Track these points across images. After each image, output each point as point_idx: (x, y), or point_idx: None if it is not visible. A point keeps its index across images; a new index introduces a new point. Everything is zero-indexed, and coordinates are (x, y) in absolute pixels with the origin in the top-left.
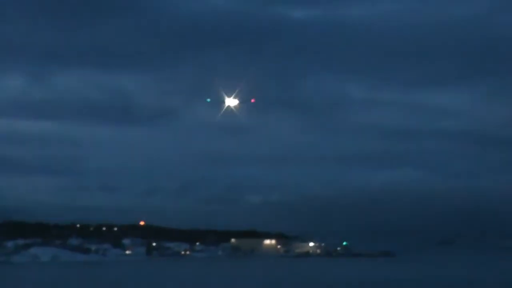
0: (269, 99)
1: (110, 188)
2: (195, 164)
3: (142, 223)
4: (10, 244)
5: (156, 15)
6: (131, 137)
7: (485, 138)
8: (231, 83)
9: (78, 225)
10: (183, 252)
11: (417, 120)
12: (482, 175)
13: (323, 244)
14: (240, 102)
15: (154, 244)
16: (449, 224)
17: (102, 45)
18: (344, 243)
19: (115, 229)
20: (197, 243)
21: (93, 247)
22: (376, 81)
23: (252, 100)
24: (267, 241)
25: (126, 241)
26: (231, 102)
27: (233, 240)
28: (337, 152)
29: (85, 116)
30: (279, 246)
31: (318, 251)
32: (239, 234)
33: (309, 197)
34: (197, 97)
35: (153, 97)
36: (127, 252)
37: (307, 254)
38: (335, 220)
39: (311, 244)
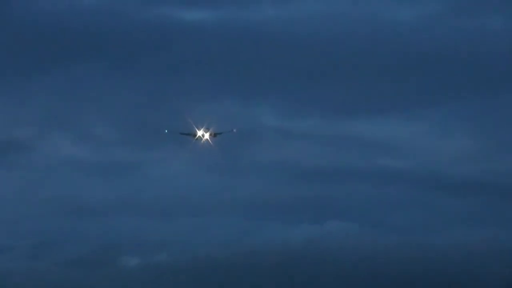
0: (154, 129)
1: None
2: (54, 215)
3: None
4: None
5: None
6: None
7: (434, 181)
8: (103, 108)
9: None
10: None
11: (348, 157)
12: (432, 229)
13: None
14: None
15: None
16: None
17: None
18: None
19: None
20: None
21: None
22: (295, 107)
23: (234, 130)
24: None
25: None
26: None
27: None
28: (244, 200)
29: None
30: None
31: None
32: None
33: (206, 258)
34: (57, 126)
35: None
36: None
37: None
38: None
39: None
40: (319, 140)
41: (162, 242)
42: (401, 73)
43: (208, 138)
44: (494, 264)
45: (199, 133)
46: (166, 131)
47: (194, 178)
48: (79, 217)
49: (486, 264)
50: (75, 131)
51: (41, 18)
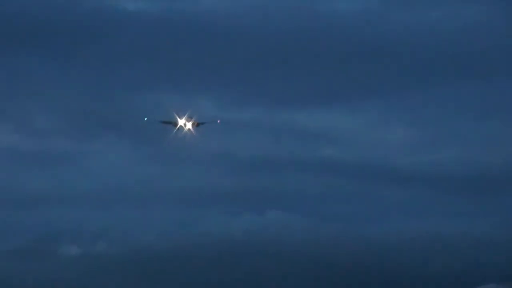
0: (92, 118)
1: None
2: None
3: None
4: None
5: None
6: None
7: (376, 172)
8: (43, 98)
9: None
10: None
11: (288, 148)
12: (374, 220)
13: None
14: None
15: None
16: (329, 282)
17: None
18: None
19: None
20: None
21: None
22: (237, 98)
23: (218, 121)
24: None
25: None
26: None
27: None
28: (185, 190)
29: None
30: None
31: None
32: None
33: (146, 248)
34: None
35: None
36: None
37: None
38: (179, 279)
39: None
40: (261, 131)
41: (102, 232)
42: (342, 65)
43: (191, 128)
44: (436, 255)
45: (181, 122)
46: (146, 119)
47: (134, 168)
48: (19, 207)
49: (428, 255)
50: (15, 121)
51: None
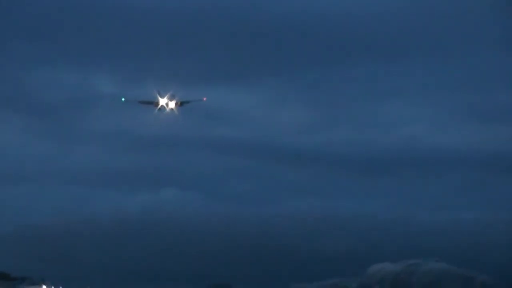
0: None
1: None
2: None
3: None
4: None
5: None
6: None
7: (270, 151)
8: None
9: None
10: None
11: (184, 127)
12: (271, 200)
13: None
14: None
15: None
16: (226, 262)
17: None
18: None
19: None
20: None
21: None
22: (128, 74)
23: (204, 99)
24: None
25: None
26: None
27: None
28: (79, 168)
29: None
30: None
31: None
32: None
33: (41, 226)
34: None
35: None
36: None
37: None
38: (76, 257)
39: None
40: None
41: None
42: (237, 43)
43: (174, 107)
44: (329, 234)
45: (162, 101)
46: (123, 99)
47: (27, 146)
48: None
49: (322, 235)
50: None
51: None
